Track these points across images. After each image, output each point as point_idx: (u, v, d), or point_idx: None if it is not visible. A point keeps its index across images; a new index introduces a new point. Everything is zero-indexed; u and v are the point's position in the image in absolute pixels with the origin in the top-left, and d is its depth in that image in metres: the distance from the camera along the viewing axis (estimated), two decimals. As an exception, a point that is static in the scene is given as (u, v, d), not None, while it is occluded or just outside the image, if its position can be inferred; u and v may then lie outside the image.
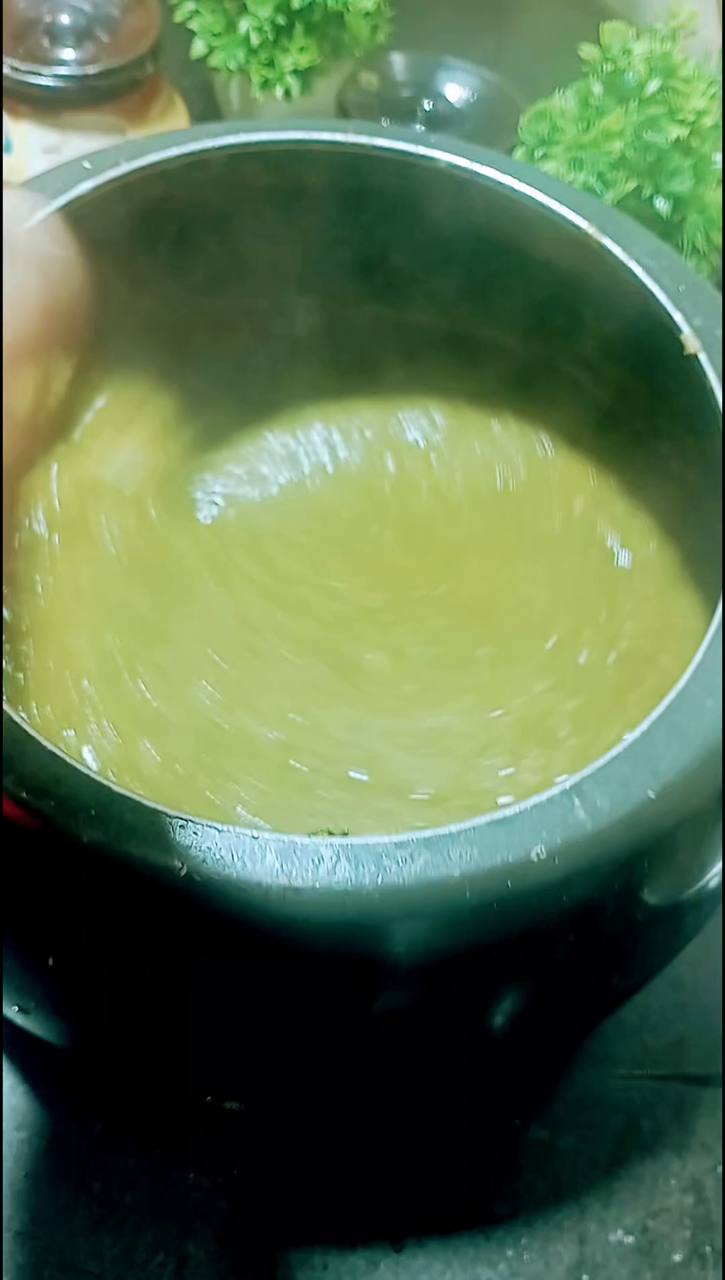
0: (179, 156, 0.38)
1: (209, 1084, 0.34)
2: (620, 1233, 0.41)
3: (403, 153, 0.39)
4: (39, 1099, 0.42)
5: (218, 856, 0.26)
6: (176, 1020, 0.31)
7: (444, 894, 0.26)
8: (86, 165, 0.37)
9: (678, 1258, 0.41)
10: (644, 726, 0.28)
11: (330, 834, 0.30)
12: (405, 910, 0.26)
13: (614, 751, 0.28)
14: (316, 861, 0.26)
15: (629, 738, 0.28)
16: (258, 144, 0.39)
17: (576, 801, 0.27)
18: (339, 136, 0.39)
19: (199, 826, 0.26)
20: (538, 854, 0.26)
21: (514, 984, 0.31)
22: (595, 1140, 0.43)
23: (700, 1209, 0.42)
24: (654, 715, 0.28)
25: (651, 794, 0.27)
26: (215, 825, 0.26)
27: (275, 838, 0.26)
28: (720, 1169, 0.43)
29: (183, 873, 0.26)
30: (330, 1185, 0.41)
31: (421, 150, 0.39)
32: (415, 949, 0.27)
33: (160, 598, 0.38)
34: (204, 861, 0.26)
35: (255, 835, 0.26)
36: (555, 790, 0.27)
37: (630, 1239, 0.41)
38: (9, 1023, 0.35)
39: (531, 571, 0.41)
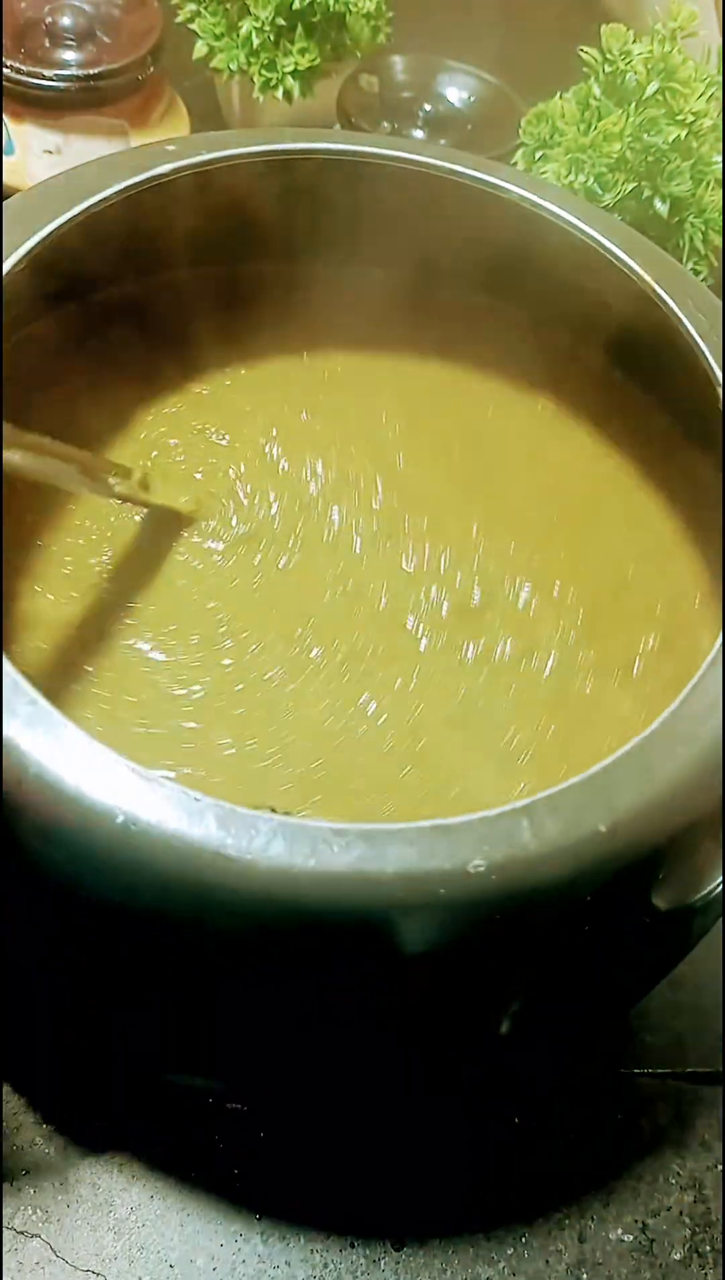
0: (263, 153, 0.41)
1: (142, 1049, 0.34)
2: (620, 1231, 0.41)
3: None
4: (39, 1099, 0.42)
5: (157, 810, 0.26)
6: (98, 975, 0.31)
7: (373, 888, 0.26)
8: (170, 148, 0.39)
9: (677, 1256, 0.41)
10: (608, 760, 0.28)
11: (273, 811, 0.29)
12: (330, 897, 0.26)
13: (574, 779, 0.28)
14: (253, 833, 0.26)
15: (593, 768, 0.28)
16: (336, 152, 0.42)
17: (525, 822, 0.27)
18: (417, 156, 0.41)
19: (145, 777, 0.27)
20: (475, 866, 0.26)
21: (462, 991, 0.31)
22: (595, 1139, 0.43)
23: (700, 1207, 0.42)
24: (620, 752, 0.28)
25: (603, 827, 0.27)
26: (160, 777, 0.27)
27: (216, 803, 0.26)
28: (720, 1167, 0.43)
29: (119, 820, 0.26)
30: (331, 1184, 0.42)
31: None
32: (338, 938, 0.27)
33: None
34: (141, 814, 0.26)
35: (197, 797, 0.26)
36: (507, 807, 0.27)
37: (630, 1237, 0.41)
38: (8, 1022, 0.35)
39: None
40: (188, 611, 0.40)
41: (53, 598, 0.40)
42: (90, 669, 0.38)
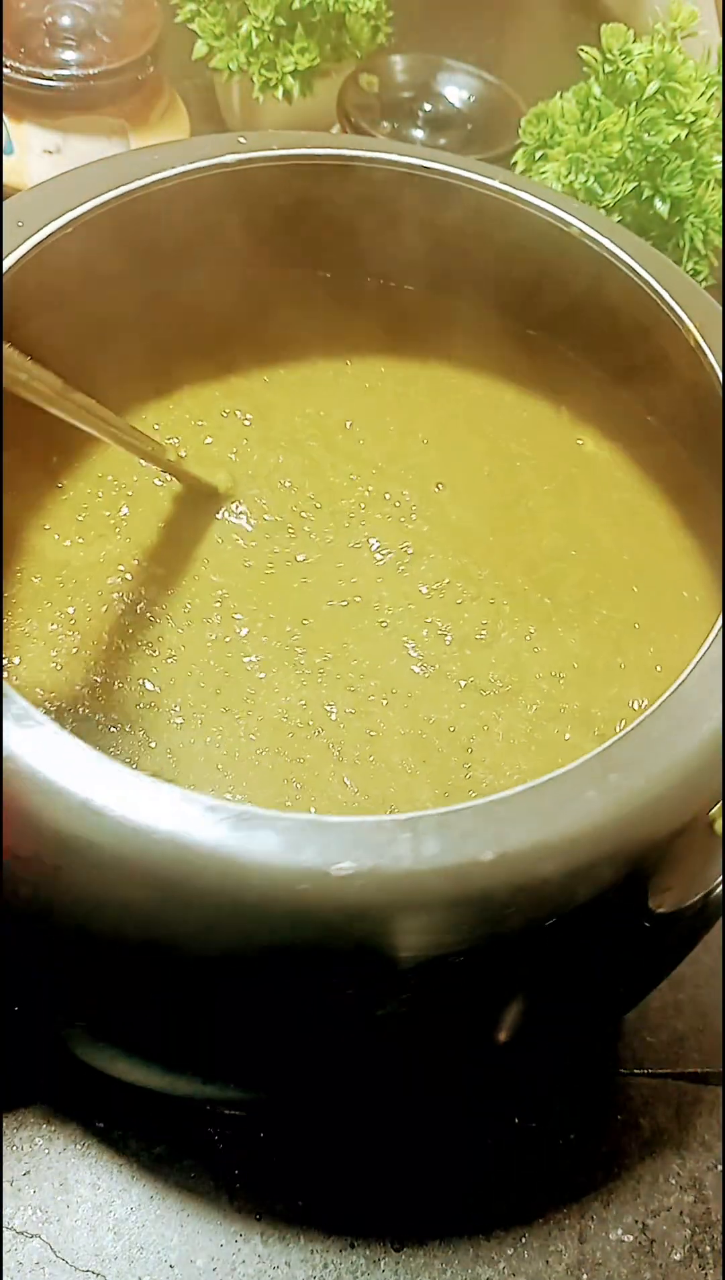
0: (328, 156, 0.42)
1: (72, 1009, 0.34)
2: (620, 1231, 0.41)
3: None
4: (39, 1098, 0.42)
5: (113, 796, 0.27)
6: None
7: (237, 877, 0.26)
8: (242, 140, 0.41)
9: (677, 1256, 0.41)
10: (509, 792, 0.28)
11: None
12: (203, 877, 0.26)
13: (469, 803, 0.27)
14: (125, 791, 0.27)
15: (491, 797, 0.27)
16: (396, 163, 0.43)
17: (407, 835, 0.26)
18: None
19: (108, 763, 0.27)
20: (339, 869, 0.26)
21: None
22: (595, 1139, 0.43)
23: (700, 1207, 0.42)
24: (520, 788, 0.28)
25: (488, 855, 0.27)
26: (122, 765, 0.27)
27: (89, 753, 0.27)
28: (720, 1167, 0.43)
29: (78, 799, 0.26)
30: (331, 1184, 0.41)
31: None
32: (223, 927, 0.27)
33: None
34: (95, 797, 0.27)
35: (156, 784, 0.27)
36: (391, 817, 0.27)
37: (630, 1237, 0.41)
38: (8, 1022, 0.35)
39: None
40: (191, 580, 0.40)
41: (59, 538, 0.40)
42: (71, 610, 0.39)
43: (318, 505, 0.43)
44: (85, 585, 0.40)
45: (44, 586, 0.40)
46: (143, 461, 0.41)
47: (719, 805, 0.29)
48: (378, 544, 0.42)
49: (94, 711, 0.37)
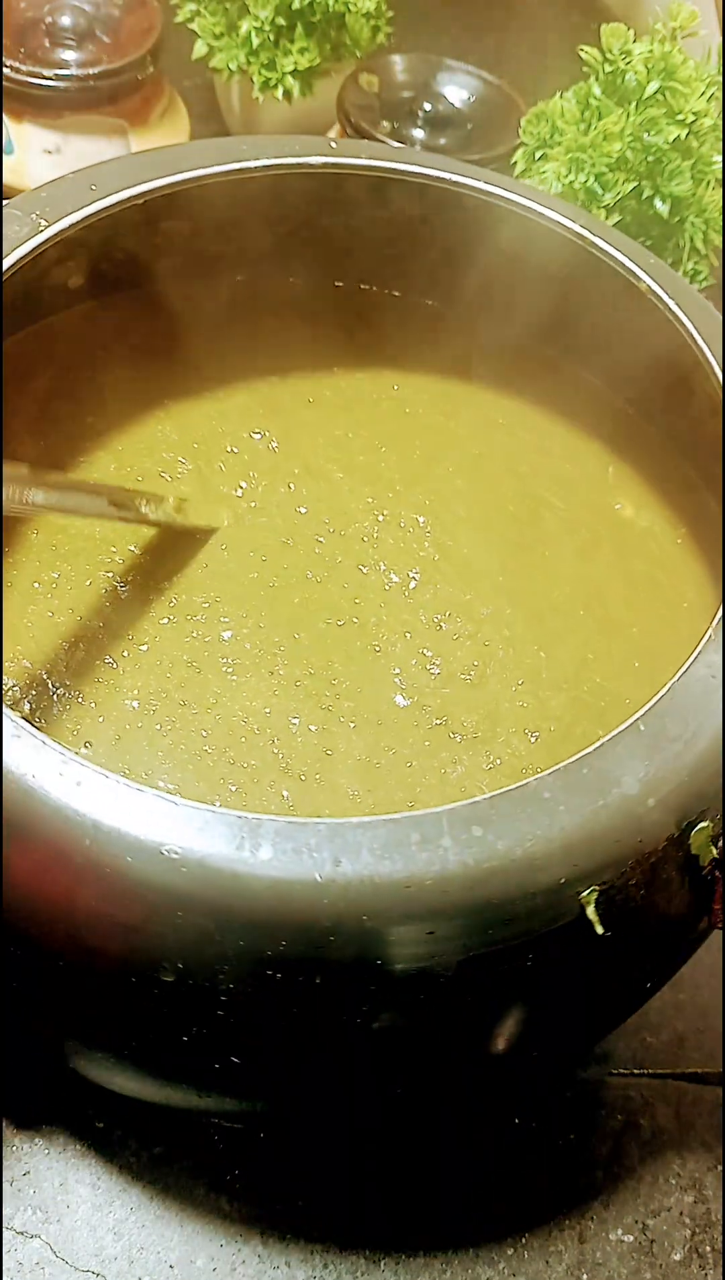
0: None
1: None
2: (620, 1231, 0.41)
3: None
4: (40, 1099, 0.42)
5: (57, 780, 0.27)
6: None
7: (159, 869, 0.27)
8: (333, 144, 0.43)
9: (677, 1256, 0.41)
10: (363, 820, 0.28)
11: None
12: (183, 886, 0.27)
13: (326, 820, 0.27)
14: (54, 765, 0.28)
15: (346, 819, 0.28)
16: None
17: (244, 838, 0.27)
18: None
19: (57, 750, 0.28)
20: (169, 850, 0.27)
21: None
22: (595, 1139, 0.43)
23: (700, 1207, 0.42)
24: (379, 818, 0.28)
25: (318, 876, 0.27)
26: (69, 751, 0.28)
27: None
28: (720, 1167, 0.43)
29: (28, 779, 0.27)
30: (331, 1184, 0.41)
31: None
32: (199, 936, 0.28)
33: None
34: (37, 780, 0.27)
35: (139, 788, 0.27)
36: (240, 814, 0.27)
37: (630, 1237, 0.41)
38: (8, 1023, 0.35)
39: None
40: (184, 579, 0.40)
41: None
42: (56, 574, 0.39)
43: (332, 529, 0.42)
44: (78, 555, 0.40)
45: (38, 544, 0.40)
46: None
47: (591, 890, 0.28)
48: (386, 567, 0.41)
49: (51, 675, 0.37)
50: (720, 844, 0.30)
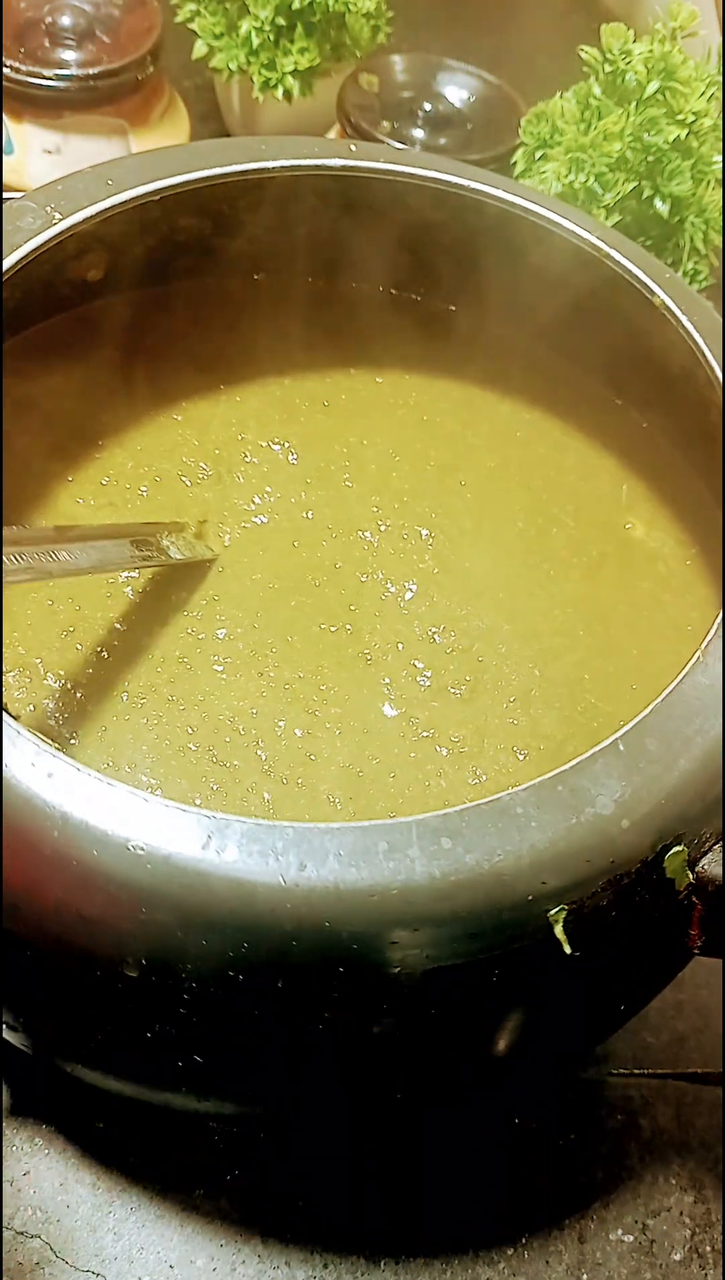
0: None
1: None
2: (620, 1231, 0.41)
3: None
4: (40, 1099, 0.42)
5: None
6: None
7: (124, 864, 0.27)
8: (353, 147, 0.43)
9: (677, 1256, 0.41)
10: (314, 825, 0.28)
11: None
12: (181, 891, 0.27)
13: (291, 824, 0.28)
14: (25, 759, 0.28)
15: (309, 824, 0.28)
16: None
17: (210, 835, 0.27)
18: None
19: (32, 741, 0.28)
20: (134, 845, 0.27)
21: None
22: (595, 1139, 0.43)
23: (700, 1207, 0.42)
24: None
25: (282, 880, 0.27)
26: (68, 759, 0.28)
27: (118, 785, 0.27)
28: (720, 1167, 0.43)
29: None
30: (331, 1184, 0.41)
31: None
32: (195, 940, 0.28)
33: None
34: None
35: (110, 782, 0.27)
36: (204, 813, 0.27)
37: (630, 1237, 0.41)
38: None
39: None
40: (191, 577, 0.40)
41: (78, 492, 0.41)
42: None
43: (335, 535, 0.42)
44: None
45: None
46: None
47: (560, 909, 0.28)
48: (383, 576, 0.41)
49: (46, 664, 0.37)
50: (697, 869, 0.30)
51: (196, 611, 0.39)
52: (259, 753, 0.36)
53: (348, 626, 0.40)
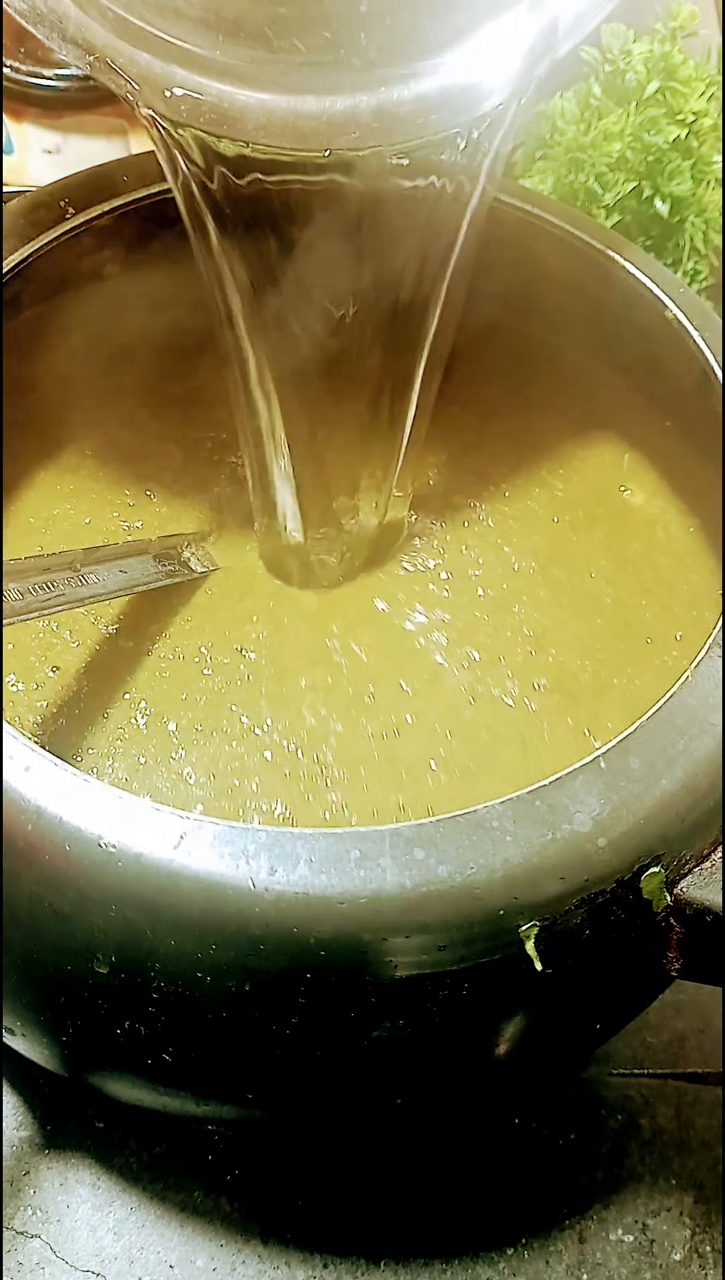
0: None
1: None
2: (620, 1231, 0.41)
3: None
4: (40, 1099, 0.42)
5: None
6: None
7: (95, 861, 0.27)
8: None
9: (677, 1256, 0.41)
10: (285, 829, 0.28)
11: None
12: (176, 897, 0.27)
13: (261, 827, 0.28)
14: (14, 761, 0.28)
15: (281, 829, 0.28)
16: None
17: (180, 836, 0.27)
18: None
19: (11, 734, 0.28)
20: (106, 843, 0.27)
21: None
22: (595, 1139, 0.43)
23: (700, 1207, 0.42)
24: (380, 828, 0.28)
25: (251, 884, 0.27)
26: (61, 761, 0.28)
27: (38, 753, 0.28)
28: (720, 1167, 0.43)
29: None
30: (331, 1184, 0.41)
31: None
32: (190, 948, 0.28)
33: None
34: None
35: (86, 778, 0.27)
36: (174, 812, 0.27)
37: (630, 1237, 0.41)
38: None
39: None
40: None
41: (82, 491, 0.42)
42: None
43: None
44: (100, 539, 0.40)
45: (48, 539, 0.40)
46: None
47: (532, 925, 0.28)
48: (384, 605, 0.41)
49: (46, 664, 0.38)
50: (675, 891, 0.29)
51: (197, 611, 0.40)
52: (246, 757, 0.37)
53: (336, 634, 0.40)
